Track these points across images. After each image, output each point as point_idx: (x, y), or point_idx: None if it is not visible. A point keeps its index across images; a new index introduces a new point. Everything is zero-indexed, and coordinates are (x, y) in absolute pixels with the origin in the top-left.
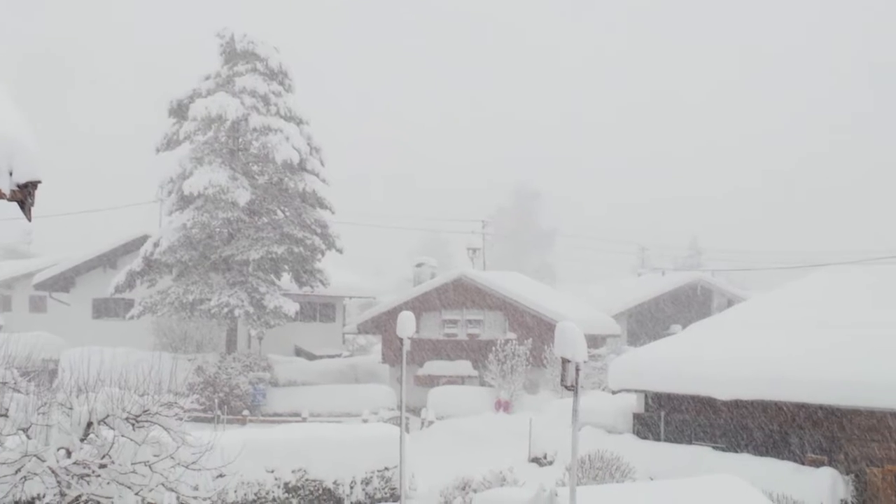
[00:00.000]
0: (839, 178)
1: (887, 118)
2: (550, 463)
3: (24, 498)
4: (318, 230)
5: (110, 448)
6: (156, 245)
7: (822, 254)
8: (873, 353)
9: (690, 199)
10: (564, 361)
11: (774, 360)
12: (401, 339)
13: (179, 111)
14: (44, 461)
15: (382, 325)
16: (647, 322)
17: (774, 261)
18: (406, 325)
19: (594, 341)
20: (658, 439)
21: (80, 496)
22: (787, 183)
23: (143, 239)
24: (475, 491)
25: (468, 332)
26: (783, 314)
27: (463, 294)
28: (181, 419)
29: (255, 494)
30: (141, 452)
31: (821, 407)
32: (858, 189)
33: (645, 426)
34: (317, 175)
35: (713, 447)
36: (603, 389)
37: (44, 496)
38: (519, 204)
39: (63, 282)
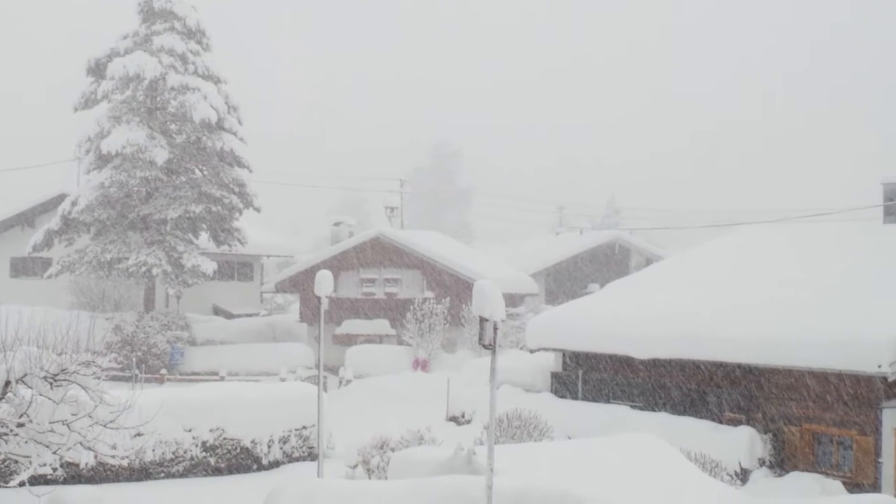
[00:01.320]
0: (759, 140)
1: (811, 81)
2: (468, 422)
3: None
4: (236, 189)
5: (28, 407)
6: (74, 204)
7: (741, 213)
8: (791, 311)
9: (609, 159)
10: (482, 320)
11: (692, 318)
12: (318, 298)
13: (97, 70)
14: None
15: (300, 283)
16: (565, 281)
17: (693, 220)
18: (324, 283)
19: (512, 300)
20: (576, 398)
21: None
22: (706, 144)
23: (60, 198)
24: (393, 450)
25: (386, 290)
26: (701, 273)
27: (381, 253)
28: (99, 378)
29: (173, 453)
30: (59, 411)
31: (739, 366)
32: (779, 150)
33: (563, 385)
34: (234, 134)
35: (631, 406)
36: (521, 348)
37: None
38: (437, 163)
39: None
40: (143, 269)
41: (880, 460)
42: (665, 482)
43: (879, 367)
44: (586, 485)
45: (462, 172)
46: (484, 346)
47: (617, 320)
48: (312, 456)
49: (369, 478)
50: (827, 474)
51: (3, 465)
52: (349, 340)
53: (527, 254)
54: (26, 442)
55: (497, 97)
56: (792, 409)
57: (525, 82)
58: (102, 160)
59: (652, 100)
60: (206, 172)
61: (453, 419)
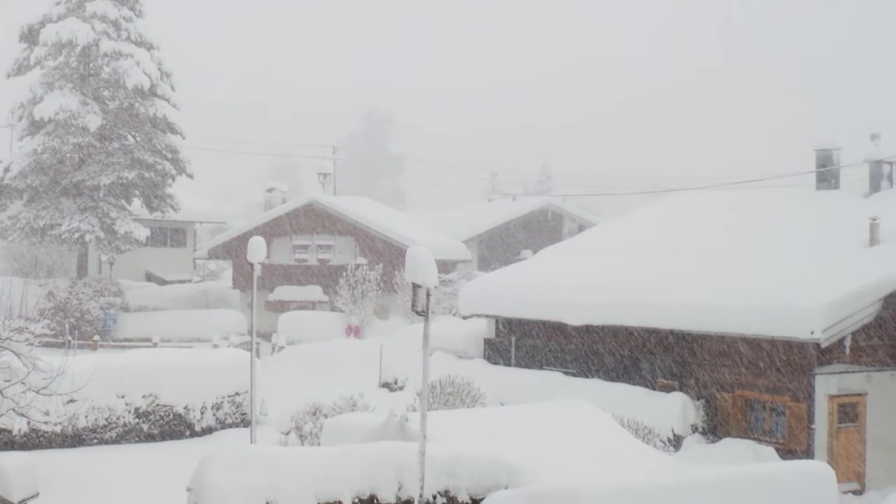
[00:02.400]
0: (690, 106)
1: (742, 48)
2: (401, 388)
3: None
4: (169, 155)
5: None
6: (6, 170)
7: (673, 179)
8: (723, 278)
9: (541, 125)
10: (415, 286)
11: (625, 285)
12: (251, 265)
13: (30, 36)
14: None
15: (233, 250)
16: (498, 247)
17: (625, 186)
18: (256, 250)
19: (445, 266)
20: (509, 364)
21: None
22: (638, 109)
23: None
24: (326, 416)
25: (319, 257)
26: (634, 239)
27: (314, 219)
28: (32, 344)
29: (106, 419)
30: None
31: (671, 332)
32: (710, 117)
33: (496, 351)
34: (167, 100)
35: (564, 372)
36: (454, 315)
37: None
38: (370, 130)
39: None
40: (76, 235)
41: (813, 427)
42: (598, 448)
43: (812, 333)
44: (519, 451)
45: (395, 139)
46: (417, 312)
47: (550, 287)
48: (245, 422)
49: (302, 444)
50: (760, 441)
51: None
52: (282, 307)
53: (460, 220)
54: None
55: (430, 63)
56: (725, 375)
57: (458, 48)
58: (35, 126)
59: (584, 64)
60: (138, 139)
61: (386, 385)
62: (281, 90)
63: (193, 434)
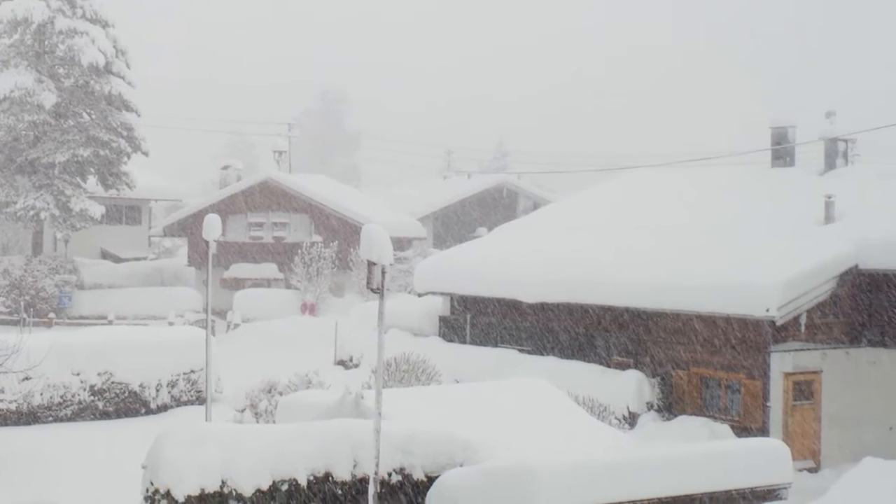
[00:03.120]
0: (646, 81)
1: (699, 24)
2: (356, 366)
3: None
4: (124, 133)
5: None
6: None
7: (629, 156)
8: (679, 255)
9: (496, 102)
10: (370, 264)
11: (580, 262)
12: (206, 242)
13: None
14: None
15: (188, 227)
16: (453, 225)
17: (581, 163)
18: (212, 227)
19: (400, 244)
20: (464, 342)
21: None
22: (595, 86)
23: None
24: (281, 393)
25: (274, 234)
26: (589, 217)
27: (269, 197)
28: None
29: (62, 397)
30: None
31: (626, 309)
32: (666, 94)
33: (451, 329)
34: (123, 78)
35: (519, 350)
36: (409, 292)
37: None
38: (325, 107)
39: None
40: (31, 212)
41: (768, 404)
42: (553, 426)
43: (767, 310)
44: (474, 428)
45: (350, 116)
46: (372, 289)
47: (505, 264)
48: (201, 400)
49: (257, 421)
50: (715, 418)
51: None
52: (237, 284)
53: (415, 198)
54: None
55: (379, 36)
56: (680, 352)
57: (410, 20)
58: None
59: (538, 38)
60: (94, 116)
61: (341, 363)
62: (235, 65)
63: (149, 411)
